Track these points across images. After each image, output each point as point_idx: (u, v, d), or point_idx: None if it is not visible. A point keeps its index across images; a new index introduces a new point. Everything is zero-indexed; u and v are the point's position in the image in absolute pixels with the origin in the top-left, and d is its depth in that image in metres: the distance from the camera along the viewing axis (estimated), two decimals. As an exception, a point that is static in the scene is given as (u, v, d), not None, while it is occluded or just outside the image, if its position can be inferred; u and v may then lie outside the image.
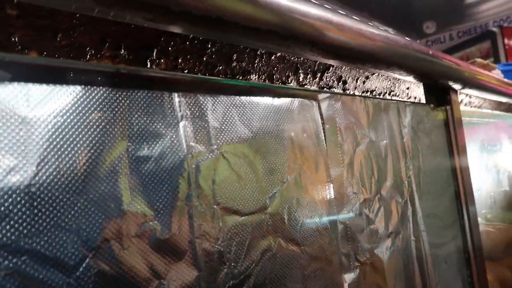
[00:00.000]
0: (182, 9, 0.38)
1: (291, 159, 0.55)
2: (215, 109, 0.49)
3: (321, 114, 0.61)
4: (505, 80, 1.23)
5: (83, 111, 0.39)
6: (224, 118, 0.50)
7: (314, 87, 0.59)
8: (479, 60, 1.14)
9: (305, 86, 0.58)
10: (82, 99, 0.39)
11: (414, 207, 0.76)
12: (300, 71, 0.58)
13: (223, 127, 0.49)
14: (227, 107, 0.51)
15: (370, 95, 0.71)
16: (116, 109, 0.40)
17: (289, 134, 0.56)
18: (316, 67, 0.60)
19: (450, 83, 0.92)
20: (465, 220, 0.90)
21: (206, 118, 0.47)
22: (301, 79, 0.57)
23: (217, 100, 0.49)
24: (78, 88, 0.38)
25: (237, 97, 0.52)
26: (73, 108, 0.38)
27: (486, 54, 4.53)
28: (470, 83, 0.99)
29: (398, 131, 0.77)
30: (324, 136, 0.61)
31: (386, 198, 0.69)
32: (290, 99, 0.58)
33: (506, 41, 4.22)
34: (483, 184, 1.28)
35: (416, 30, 5.15)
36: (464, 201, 0.91)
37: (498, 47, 4.23)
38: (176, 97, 0.45)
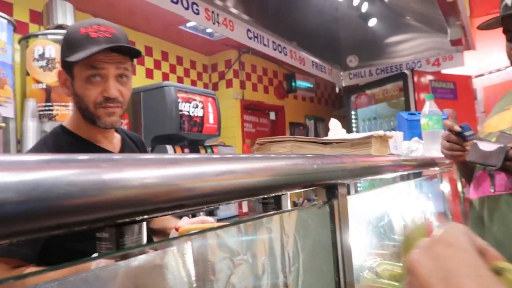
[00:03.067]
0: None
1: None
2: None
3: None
4: (382, 158, 1.33)
5: None
6: None
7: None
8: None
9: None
10: None
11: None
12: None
13: None
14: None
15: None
16: None
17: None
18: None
19: (337, 181, 0.99)
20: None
21: None
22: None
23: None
24: None
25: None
26: None
27: (399, 91, 5.01)
28: (357, 175, 1.08)
29: (278, 243, 0.80)
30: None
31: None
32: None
33: (415, 81, 4.71)
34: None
35: (341, 63, 5.50)
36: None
37: (409, 86, 4.71)
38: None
